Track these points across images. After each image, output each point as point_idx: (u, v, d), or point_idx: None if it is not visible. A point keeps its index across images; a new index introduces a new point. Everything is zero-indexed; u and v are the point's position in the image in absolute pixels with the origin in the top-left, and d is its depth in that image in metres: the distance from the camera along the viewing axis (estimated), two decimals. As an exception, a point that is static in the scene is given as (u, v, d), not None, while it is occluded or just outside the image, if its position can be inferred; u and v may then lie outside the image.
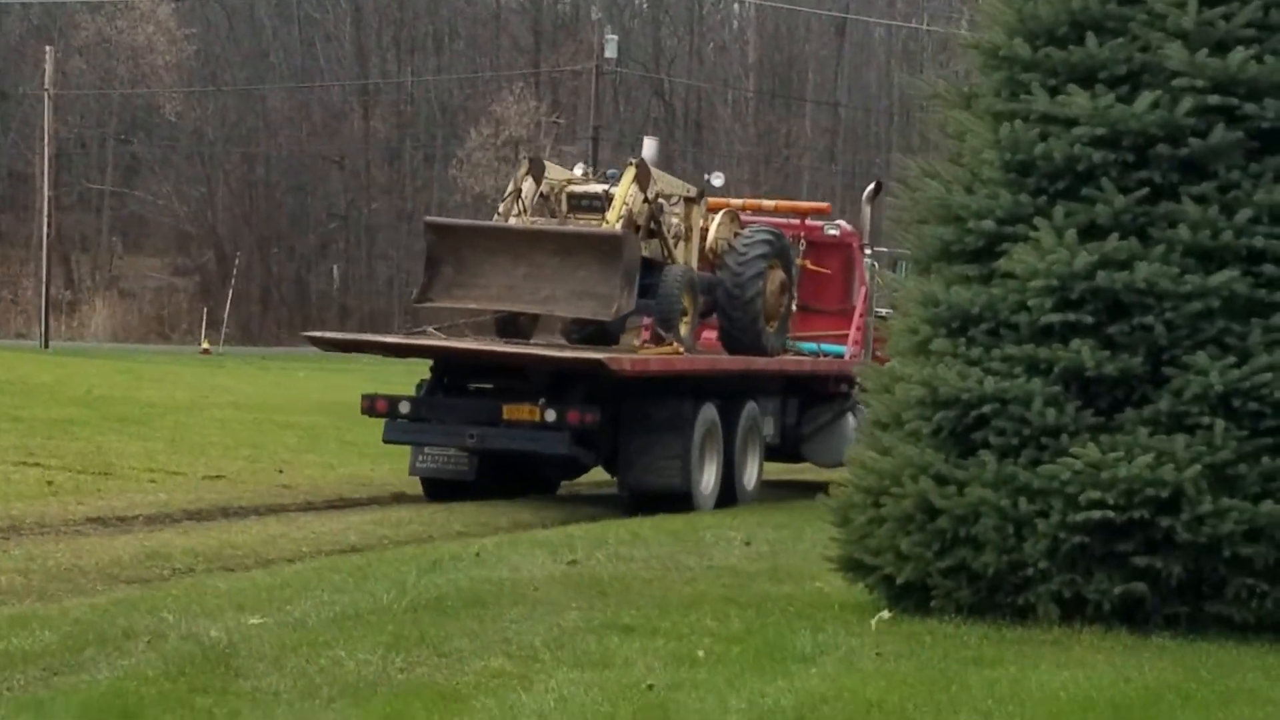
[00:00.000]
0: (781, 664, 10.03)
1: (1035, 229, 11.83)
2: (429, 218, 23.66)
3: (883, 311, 13.89)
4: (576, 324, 21.18)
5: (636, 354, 20.06)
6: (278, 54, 77.15)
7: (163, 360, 47.93)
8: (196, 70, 72.96)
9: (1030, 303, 11.70)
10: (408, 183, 76.29)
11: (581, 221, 20.16)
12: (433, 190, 75.50)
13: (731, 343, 21.83)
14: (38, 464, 20.90)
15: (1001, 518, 11.51)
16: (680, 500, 19.57)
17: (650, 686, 9.37)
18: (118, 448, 23.24)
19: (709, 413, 20.28)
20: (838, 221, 25.61)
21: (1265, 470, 11.23)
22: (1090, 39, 11.83)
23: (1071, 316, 11.57)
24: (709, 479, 20.38)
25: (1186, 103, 11.50)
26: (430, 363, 20.44)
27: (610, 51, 72.08)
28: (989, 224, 11.97)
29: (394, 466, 23.47)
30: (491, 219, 21.30)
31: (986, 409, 11.68)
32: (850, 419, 22.66)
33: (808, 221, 24.81)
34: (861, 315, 23.97)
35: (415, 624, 11.04)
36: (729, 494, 20.76)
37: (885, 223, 15.76)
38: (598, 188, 20.63)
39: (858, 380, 20.49)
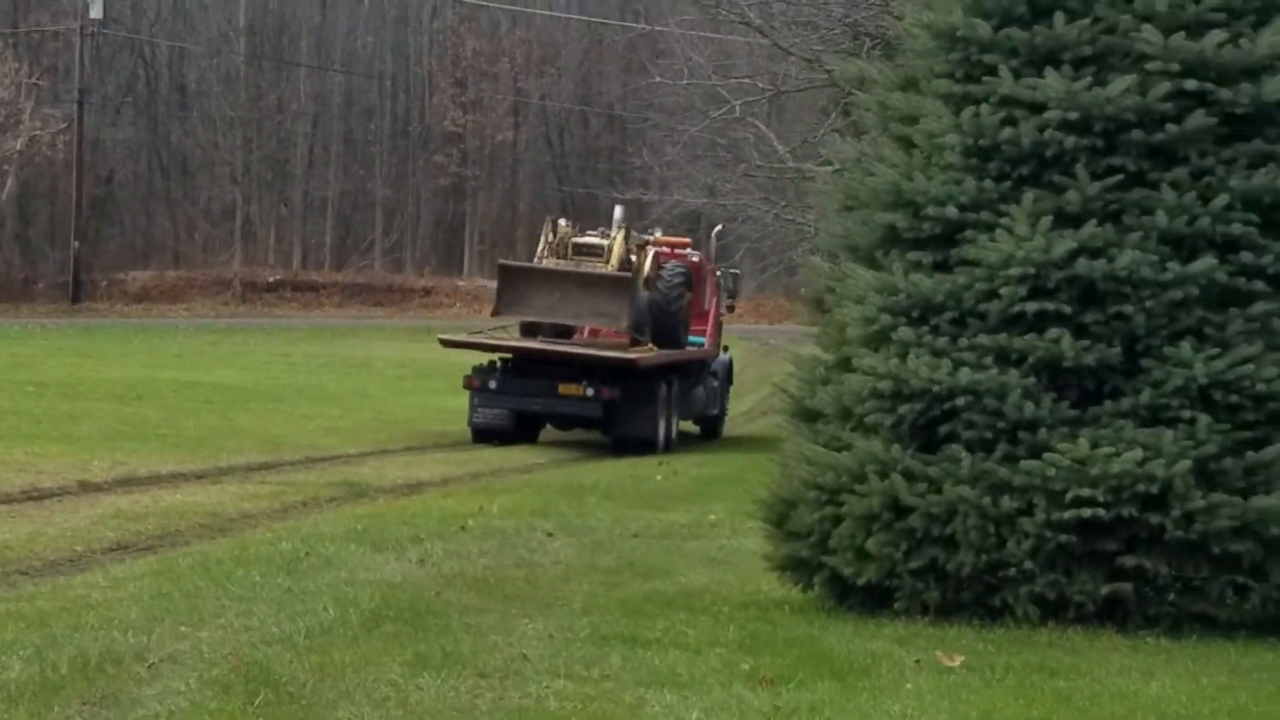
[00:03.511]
0: (863, 677, 9.48)
1: (999, 216, 11.47)
2: (501, 260, 33.15)
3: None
4: (553, 329, 29.68)
5: (645, 353, 28.57)
6: None
7: None
8: None
9: (1002, 291, 11.33)
10: None
11: (585, 263, 28.92)
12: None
13: (661, 341, 29.48)
14: None
15: (981, 516, 11.11)
16: (650, 445, 27.94)
17: (778, 709, 8.66)
18: None
19: (663, 388, 28.62)
20: (695, 251, 33.53)
21: (1248, 464, 11.11)
22: (1059, 19, 11.52)
23: (1048, 305, 11.25)
24: (663, 431, 28.68)
25: (1161, 87, 11.30)
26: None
27: (95, 12, 69.11)
28: (951, 210, 11.55)
29: (31, 450, 21.80)
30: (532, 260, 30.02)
31: (959, 401, 11.26)
32: (700, 388, 31.32)
33: (676, 251, 32.31)
34: (714, 316, 32.58)
35: (411, 641, 10.10)
36: (667, 442, 28.85)
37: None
38: (597, 240, 29.62)
39: (709, 361, 30.89)
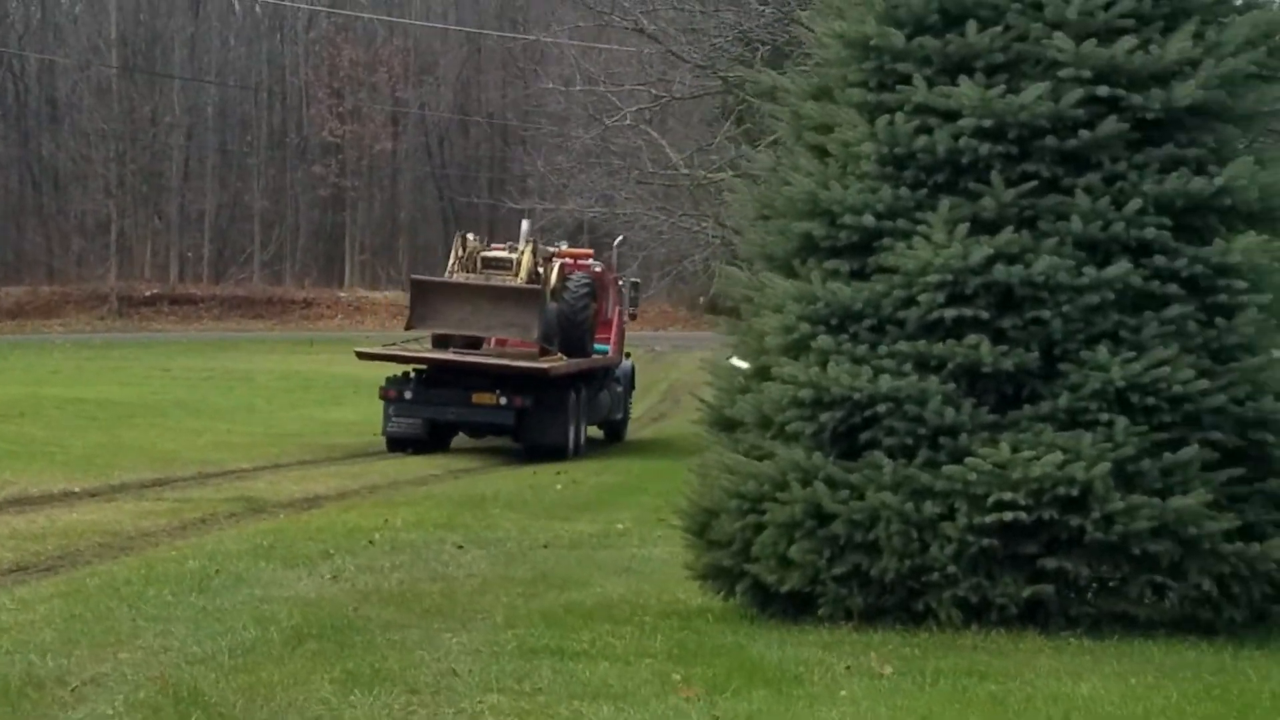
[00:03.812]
0: (796, 685, 9.49)
1: (916, 223, 11.51)
2: (415, 276, 33.03)
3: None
4: (464, 341, 30.39)
5: (555, 362, 29.49)
6: None
7: None
8: None
9: (920, 298, 11.36)
10: None
11: (495, 276, 30.03)
12: None
13: (568, 350, 30.54)
14: None
15: (904, 522, 11.13)
16: (561, 451, 29.14)
17: (717, 719, 8.63)
18: None
19: (573, 396, 29.83)
20: (597, 261, 34.53)
21: (1165, 466, 11.19)
22: (971, 28, 11.57)
23: (967, 311, 11.29)
24: (573, 437, 29.83)
25: (1074, 94, 11.37)
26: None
27: (-37, 23, 68.16)
28: (868, 218, 11.57)
29: None
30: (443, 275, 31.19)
31: (880, 408, 11.27)
32: (605, 393, 32.67)
33: (579, 261, 33.38)
34: (617, 324, 34.07)
35: (337, 658, 9.98)
36: (577, 447, 30.07)
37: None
38: (505, 254, 30.70)
39: (613, 368, 32.16)
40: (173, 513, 19.33)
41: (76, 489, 21.31)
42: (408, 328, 30.59)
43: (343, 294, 75.28)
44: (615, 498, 21.97)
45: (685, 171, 31.16)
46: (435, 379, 29.45)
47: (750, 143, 26.32)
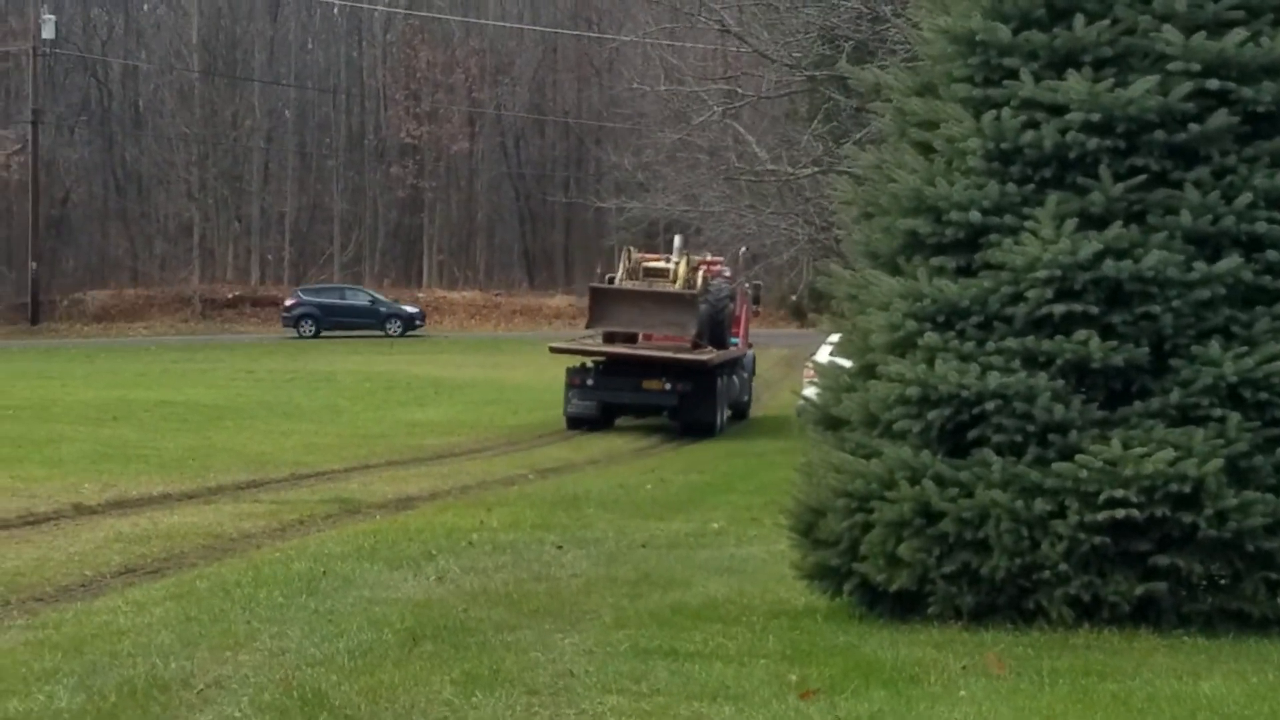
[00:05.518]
0: (913, 685, 9.42)
1: (1023, 219, 11.45)
2: (593, 284, 37.22)
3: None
4: (622, 338, 35.54)
5: (711, 355, 34.63)
6: None
7: None
8: None
9: (1029, 294, 11.30)
10: None
11: (656, 283, 35.37)
12: None
13: (713, 343, 35.32)
14: None
15: (1014, 520, 11.08)
16: (710, 429, 34.74)
17: (839, 721, 8.62)
18: None
19: (719, 382, 35.12)
20: (725, 266, 39.28)
21: (1278, 461, 11.10)
22: (1078, 21, 11.51)
23: (1075, 307, 11.22)
24: (719, 417, 35.32)
25: (1183, 87, 11.29)
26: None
27: (47, 32, 68.78)
28: (974, 215, 11.52)
29: (17, 474, 21.89)
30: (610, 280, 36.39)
31: (988, 406, 11.22)
32: (735, 378, 37.80)
33: (713, 267, 37.73)
34: (744, 320, 39.32)
35: (455, 660, 10.02)
36: (721, 425, 35.45)
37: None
38: (664, 264, 36.35)
39: (741, 357, 38.49)
40: (271, 514, 19.49)
41: (174, 491, 21.55)
42: (587, 326, 36.61)
43: (421, 294, 75.52)
44: (705, 497, 21.97)
45: (771, 168, 31.17)
46: (611, 369, 34.90)
47: (836, 140, 26.27)
